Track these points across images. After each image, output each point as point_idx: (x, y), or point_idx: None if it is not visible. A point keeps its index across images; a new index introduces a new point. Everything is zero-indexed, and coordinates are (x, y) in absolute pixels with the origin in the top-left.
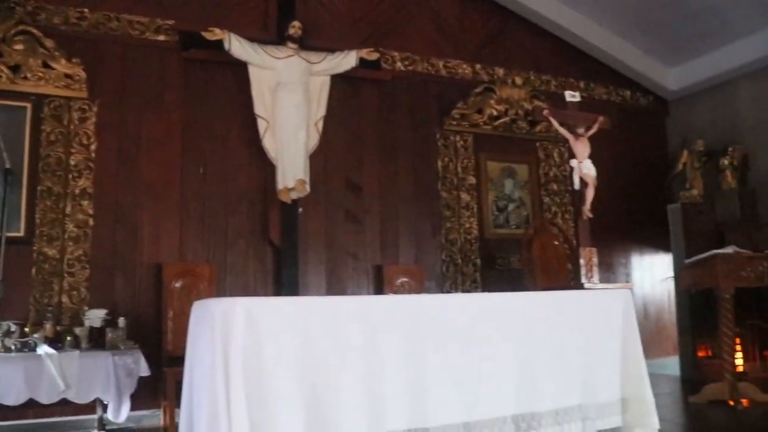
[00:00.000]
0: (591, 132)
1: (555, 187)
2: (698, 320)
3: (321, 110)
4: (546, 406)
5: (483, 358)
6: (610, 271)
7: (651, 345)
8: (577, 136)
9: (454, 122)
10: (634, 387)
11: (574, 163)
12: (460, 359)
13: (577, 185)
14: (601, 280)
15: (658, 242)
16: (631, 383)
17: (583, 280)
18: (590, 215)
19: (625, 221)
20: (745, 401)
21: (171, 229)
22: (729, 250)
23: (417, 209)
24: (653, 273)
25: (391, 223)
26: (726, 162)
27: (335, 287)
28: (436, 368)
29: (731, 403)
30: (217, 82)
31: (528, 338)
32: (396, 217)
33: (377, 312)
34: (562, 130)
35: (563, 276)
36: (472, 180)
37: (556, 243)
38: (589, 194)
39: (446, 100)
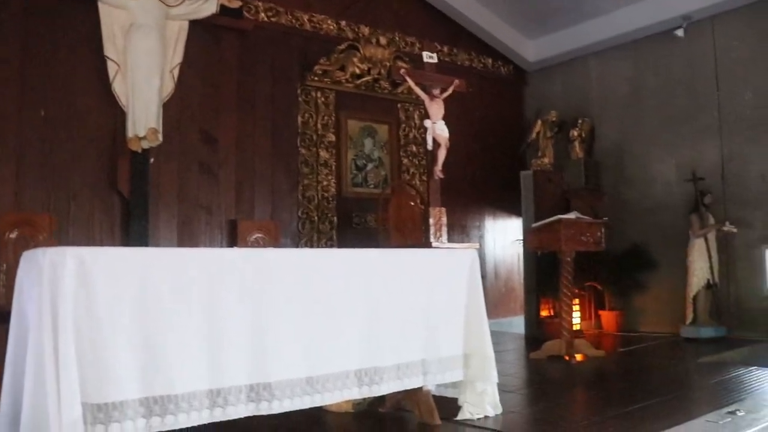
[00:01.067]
0: (446, 94)
1: (414, 148)
2: (543, 282)
3: (177, 57)
4: (388, 360)
5: (328, 314)
6: (464, 233)
7: (500, 304)
8: (432, 97)
9: (316, 78)
10: (476, 343)
11: (428, 123)
12: (305, 314)
13: (430, 145)
14: (455, 241)
15: (510, 206)
16: (473, 339)
17: (432, 239)
18: (441, 176)
19: (481, 185)
20: (578, 356)
21: (6, 176)
22: (572, 215)
23: (274, 164)
24: (505, 236)
25: (247, 178)
26: (575, 133)
27: (187, 242)
28: (280, 322)
29: (567, 358)
30: (63, 17)
31: (374, 295)
32: (252, 172)
33: (220, 264)
34: (418, 90)
35: (418, 236)
36: (332, 137)
37: (413, 204)
38: (441, 155)
39: (309, 55)
